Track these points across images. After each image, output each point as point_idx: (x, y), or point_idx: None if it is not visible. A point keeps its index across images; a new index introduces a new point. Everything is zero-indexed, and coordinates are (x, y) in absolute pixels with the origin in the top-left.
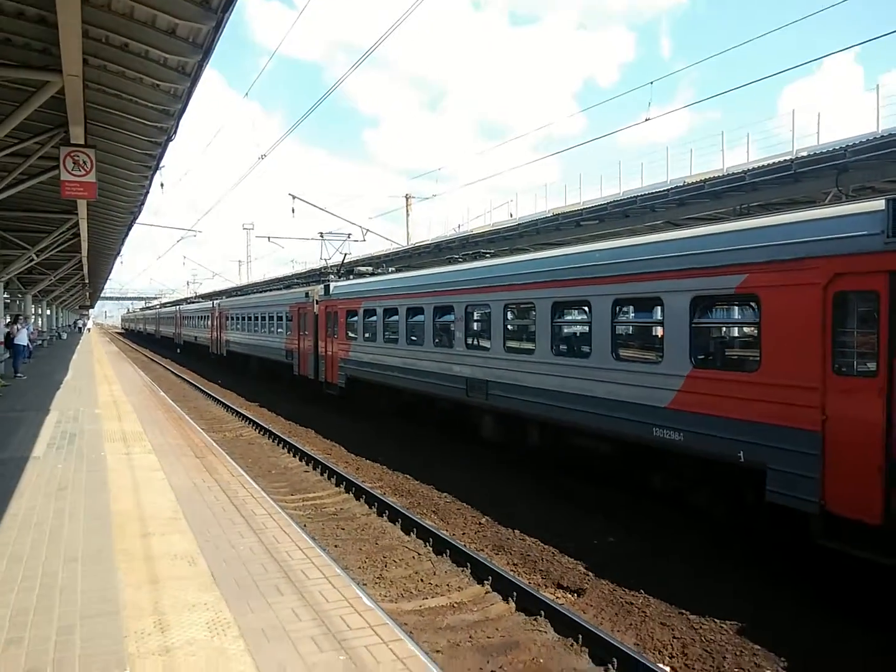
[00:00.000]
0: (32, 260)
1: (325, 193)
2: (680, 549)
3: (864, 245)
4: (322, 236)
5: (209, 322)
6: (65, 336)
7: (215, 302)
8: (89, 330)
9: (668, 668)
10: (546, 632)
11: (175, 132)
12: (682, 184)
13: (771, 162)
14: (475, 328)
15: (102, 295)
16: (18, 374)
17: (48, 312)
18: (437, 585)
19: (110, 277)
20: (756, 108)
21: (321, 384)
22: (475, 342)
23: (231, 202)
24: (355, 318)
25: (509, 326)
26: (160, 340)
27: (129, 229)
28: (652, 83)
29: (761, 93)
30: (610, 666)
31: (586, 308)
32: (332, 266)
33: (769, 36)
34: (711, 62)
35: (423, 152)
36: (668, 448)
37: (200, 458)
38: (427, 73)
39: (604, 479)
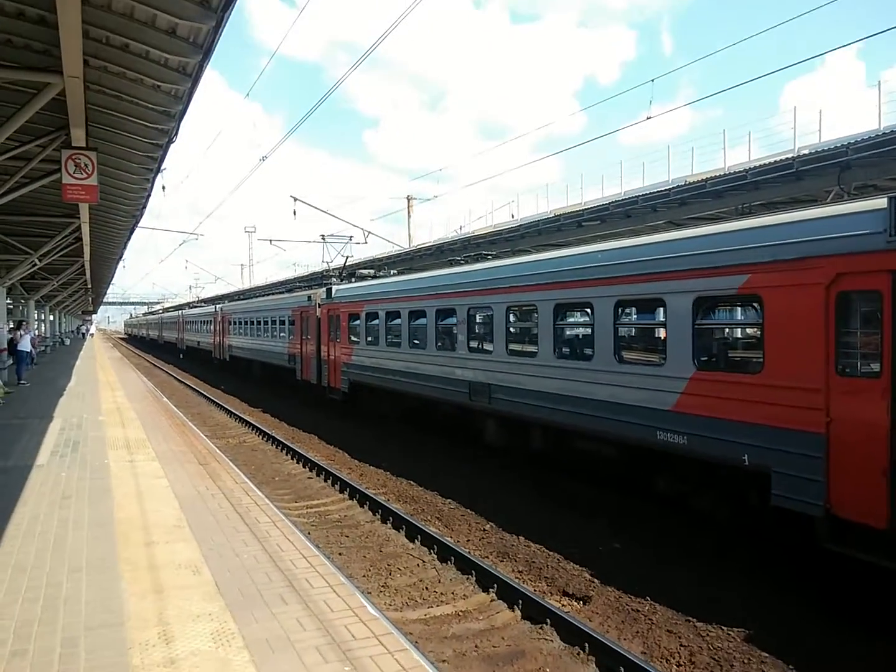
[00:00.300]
0: (35, 265)
1: (327, 195)
2: (685, 555)
3: (867, 244)
4: (324, 239)
5: (211, 327)
6: (67, 342)
7: (217, 306)
8: (92, 335)
9: None
10: (552, 640)
11: (176, 134)
12: (683, 183)
13: (773, 160)
14: (477, 331)
15: (105, 300)
16: (22, 381)
17: (51, 318)
18: (442, 593)
19: (113, 282)
20: (758, 105)
21: (324, 389)
22: (478, 345)
23: (233, 205)
24: (357, 322)
25: (512, 329)
26: (163, 346)
27: (132, 233)
28: (653, 80)
29: (763, 90)
30: None
31: (588, 310)
32: (333, 269)
33: (770, 32)
34: (713, 59)
35: (423, 152)
36: (671, 451)
37: (204, 465)
38: (427, 72)
39: (607, 483)
